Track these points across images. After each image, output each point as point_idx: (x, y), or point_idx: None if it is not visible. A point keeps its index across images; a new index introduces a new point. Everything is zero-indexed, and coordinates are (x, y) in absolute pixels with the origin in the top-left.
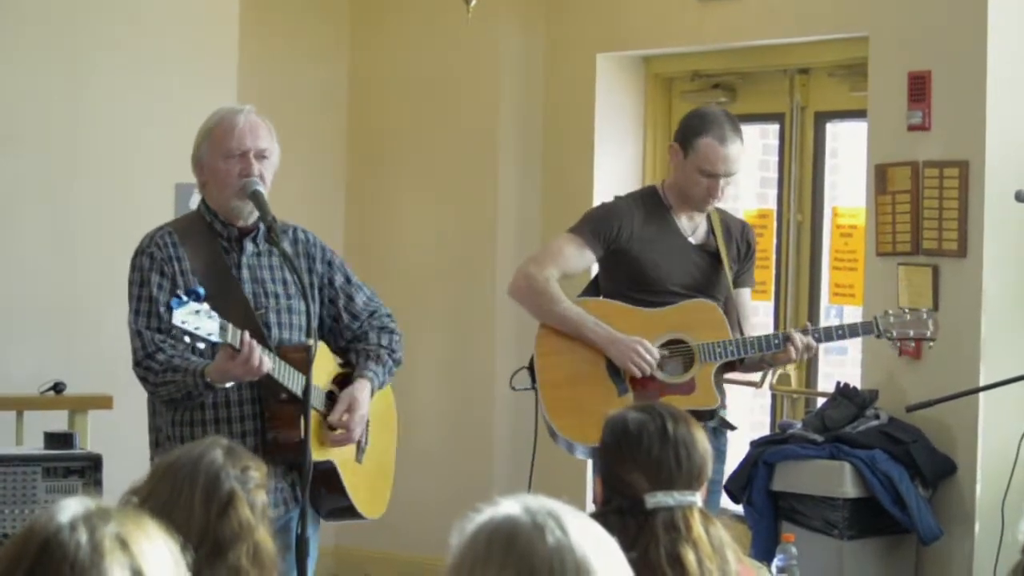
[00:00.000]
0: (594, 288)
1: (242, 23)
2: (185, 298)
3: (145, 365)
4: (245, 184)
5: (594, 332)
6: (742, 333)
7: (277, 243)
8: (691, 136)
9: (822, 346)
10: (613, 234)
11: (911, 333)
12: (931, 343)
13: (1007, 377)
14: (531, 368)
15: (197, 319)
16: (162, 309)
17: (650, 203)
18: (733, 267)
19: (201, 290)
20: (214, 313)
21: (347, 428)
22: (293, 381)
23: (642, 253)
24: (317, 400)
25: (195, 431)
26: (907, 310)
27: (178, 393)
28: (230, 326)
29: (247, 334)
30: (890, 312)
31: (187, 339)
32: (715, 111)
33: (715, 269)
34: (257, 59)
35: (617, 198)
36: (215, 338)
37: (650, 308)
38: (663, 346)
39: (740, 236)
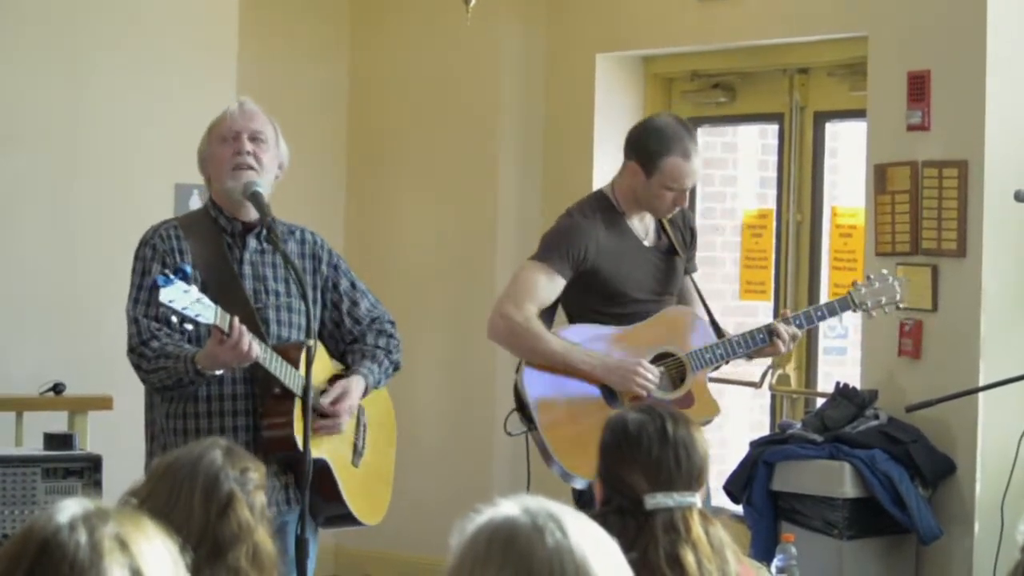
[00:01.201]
0: (551, 307)
1: (242, 23)
2: (172, 277)
3: (139, 352)
4: (246, 185)
5: (586, 363)
6: (714, 323)
7: (277, 244)
8: (654, 158)
9: (821, 347)
10: (582, 256)
11: (883, 300)
12: (900, 305)
13: (1007, 377)
14: (520, 409)
15: (186, 299)
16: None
17: (605, 212)
18: (684, 257)
19: (188, 268)
20: (203, 296)
21: (336, 416)
22: (285, 374)
23: (610, 268)
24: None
25: (188, 423)
26: (872, 277)
27: (169, 380)
28: (219, 309)
29: (236, 319)
30: (859, 284)
31: (174, 318)
32: (669, 123)
33: (671, 267)
34: (257, 59)
35: (573, 213)
36: (203, 319)
37: (627, 325)
38: (651, 362)
39: (683, 223)
